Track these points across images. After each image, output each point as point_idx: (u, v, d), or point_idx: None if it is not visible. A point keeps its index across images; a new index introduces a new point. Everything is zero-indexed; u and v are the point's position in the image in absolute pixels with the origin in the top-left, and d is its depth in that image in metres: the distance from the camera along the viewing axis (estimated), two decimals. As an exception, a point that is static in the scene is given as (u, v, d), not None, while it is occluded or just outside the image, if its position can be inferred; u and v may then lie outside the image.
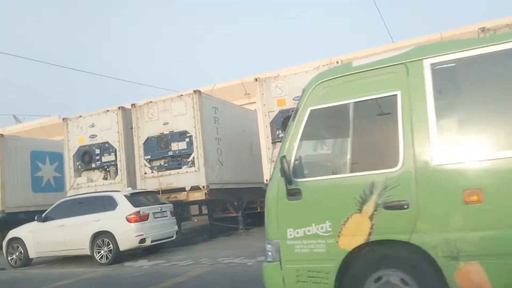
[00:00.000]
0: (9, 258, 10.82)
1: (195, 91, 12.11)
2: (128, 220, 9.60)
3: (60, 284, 7.76)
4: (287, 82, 10.93)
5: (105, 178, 13.30)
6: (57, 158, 17.30)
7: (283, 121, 10.97)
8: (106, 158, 13.14)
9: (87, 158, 13.36)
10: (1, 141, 15.24)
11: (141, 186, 12.32)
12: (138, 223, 9.65)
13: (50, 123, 29.97)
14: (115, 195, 10.08)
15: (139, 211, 9.73)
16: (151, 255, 10.36)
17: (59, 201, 10.91)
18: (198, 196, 11.87)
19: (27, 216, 15.97)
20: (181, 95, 12.49)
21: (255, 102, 12.87)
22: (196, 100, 11.98)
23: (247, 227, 14.15)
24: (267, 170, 11.05)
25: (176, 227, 10.83)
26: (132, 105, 12.90)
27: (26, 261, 10.67)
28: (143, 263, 9.27)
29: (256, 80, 11.37)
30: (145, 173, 12.54)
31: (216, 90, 23.50)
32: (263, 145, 11.15)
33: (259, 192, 15.28)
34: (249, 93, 19.27)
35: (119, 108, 13.10)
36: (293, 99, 10.86)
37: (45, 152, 16.85)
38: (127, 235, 9.54)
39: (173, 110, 12.32)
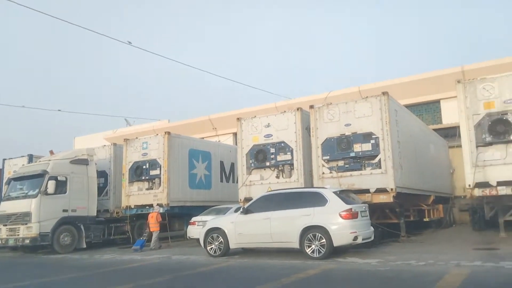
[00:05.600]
0: (208, 247, 11.30)
1: (383, 93, 12.08)
2: (342, 216, 9.66)
3: (305, 275, 7.93)
4: (497, 84, 10.56)
5: (277, 177, 13.61)
6: (207, 157, 18.19)
7: (490, 124, 10.59)
8: (281, 157, 13.45)
9: (261, 156, 13.77)
10: (168, 139, 16.26)
11: (319, 185, 12.43)
12: (351, 220, 9.68)
13: (161, 127, 31.81)
14: (324, 192, 10.23)
15: (351, 208, 9.78)
16: (346, 253, 10.30)
17: (261, 195, 11.27)
18: (384, 198, 11.73)
19: (181, 211, 16.92)
20: (366, 96, 12.52)
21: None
22: (384, 102, 11.95)
23: (408, 234, 13.82)
24: (470, 175, 10.70)
25: (372, 228, 10.74)
26: (310, 106, 13.14)
27: (226, 251, 11.08)
28: (358, 260, 9.25)
29: (458, 82, 11.11)
30: (323, 173, 12.67)
31: (331, 97, 23.53)
32: (466, 148, 10.81)
33: (424, 199, 14.97)
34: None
35: (297, 109, 13.42)
36: (504, 102, 10.49)
37: (199, 150, 17.76)
38: (342, 231, 9.59)
39: (356, 112, 12.38)
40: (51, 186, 14.67)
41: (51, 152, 16.73)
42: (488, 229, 14.38)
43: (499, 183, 10.40)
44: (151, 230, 14.69)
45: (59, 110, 25.72)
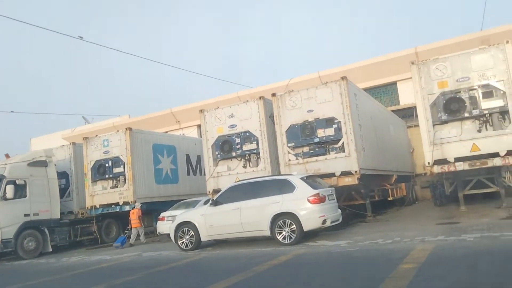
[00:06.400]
0: (179, 242, 11.22)
1: (342, 78, 12.30)
2: (310, 201, 9.83)
3: (287, 259, 8.06)
4: (449, 63, 10.98)
5: (244, 166, 13.65)
6: (172, 151, 17.97)
7: (445, 103, 11.02)
8: (247, 146, 13.50)
9: (227, 147, 13.75)
10: (130, 135, 15.91)
11: (286, 172, 12.57)
12: (319, 204, 9.87)
13: (121, 123, 31.03)
14: (291, 178, 10.36)
15: (318, 193, 9.96)
16: (316, 237, 10.52)
17: (229, 186, 11.27)
18: (349, 181, 12.04)
19: (149, 207, 16.67)
20: (326, 82, 12.71)
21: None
22: (344, 86, 12.17)
23: (374, 214, 14.29)
24: (429, 153, 11.13)
25: (340, 210, 11.00)
26: (272, 94, 13.22)
27: (198, 244, 11.05)
28: (328, 243, 9.47)
29: (412, 63, 11.46)
30: (289, 160, 12.82)
31: (292, 84, 23.76)
32: (423, 128, 11.21)
33: (387, 179, 15.46)
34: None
35: (260, 98, 13.44)
36: (457, 81, 10.93)
37: (163, 145, 17.50)
38: (311, 216, 9.76)
39: (318, 98, 12.56)
40: (9, 190, 14.09)
41: (7, 156, 15.99)
42: (449, 203, 15.06)
43: (457, 159, 10.89)
44: (133, 226, 14.79)
45: (11, 112, 24.46)
